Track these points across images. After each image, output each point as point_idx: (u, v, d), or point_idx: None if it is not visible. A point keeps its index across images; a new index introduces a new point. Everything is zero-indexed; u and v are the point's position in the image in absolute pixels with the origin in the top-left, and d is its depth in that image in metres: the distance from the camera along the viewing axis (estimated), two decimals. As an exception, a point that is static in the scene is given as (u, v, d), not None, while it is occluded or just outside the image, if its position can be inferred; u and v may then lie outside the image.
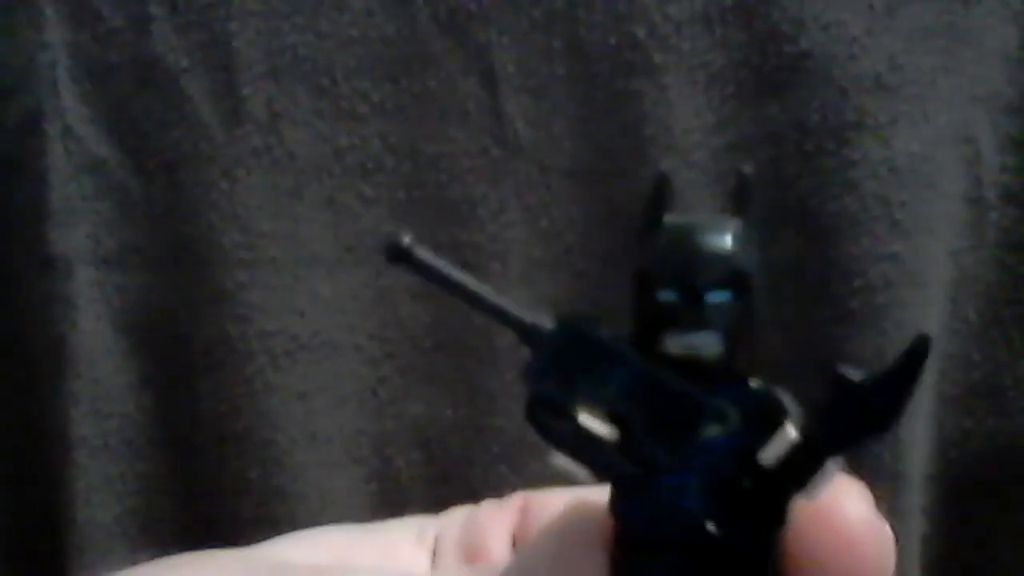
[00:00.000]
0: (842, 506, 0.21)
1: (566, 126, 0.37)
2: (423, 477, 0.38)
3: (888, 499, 0.36)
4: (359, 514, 0.37)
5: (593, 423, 0.21)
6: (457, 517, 0.28)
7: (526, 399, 0.21)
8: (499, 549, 0.26)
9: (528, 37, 0.37)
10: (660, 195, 0.21)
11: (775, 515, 0.21)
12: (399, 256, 0.21)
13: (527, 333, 0.21)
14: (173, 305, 0.37)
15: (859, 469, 0.36)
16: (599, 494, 0.22)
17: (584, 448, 0.21)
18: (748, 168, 0.21)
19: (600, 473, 0.21)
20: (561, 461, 0.21)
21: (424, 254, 0.21)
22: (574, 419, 0.21)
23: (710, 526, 0.21)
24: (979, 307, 0.37)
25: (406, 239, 0.21)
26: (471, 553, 0.27)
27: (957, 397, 0.38)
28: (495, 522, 0.27)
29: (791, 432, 0.20)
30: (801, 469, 0.20)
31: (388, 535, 0.28)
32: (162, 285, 0.38)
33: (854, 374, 0.20)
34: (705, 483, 0.21)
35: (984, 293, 0.37)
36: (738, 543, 0.21)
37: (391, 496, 0.38)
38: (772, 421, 0.20)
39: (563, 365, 0.21)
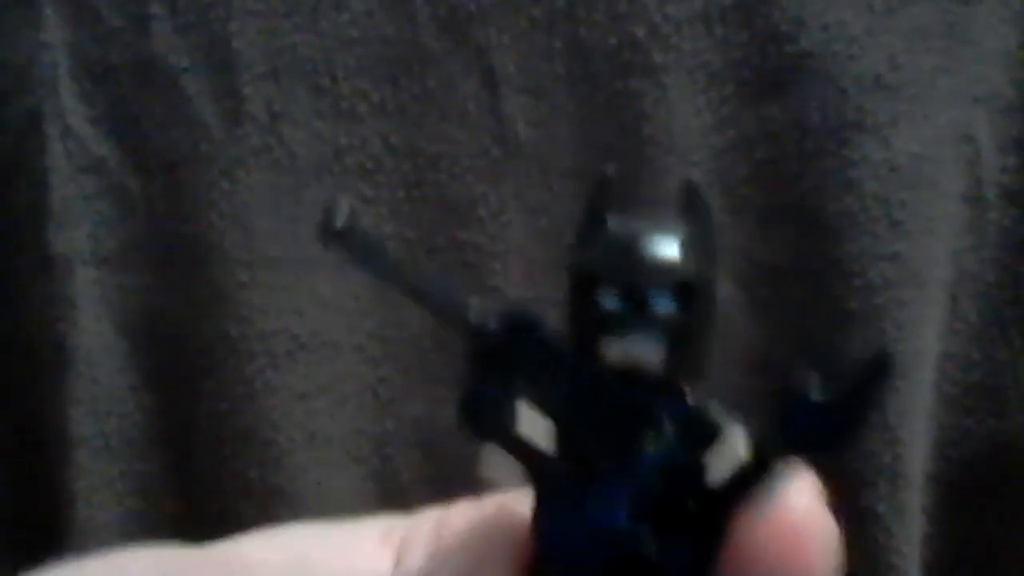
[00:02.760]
0: (785, 495, 0.20)
1: (566, 126, 0.37)
2: (423, 477, 0.38)
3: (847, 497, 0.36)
4: (359, 514, 0.37)
5: (532, 423, 0.20)
6: (428, 517, 0.28)
7: (461, 394, 0.20)
8: None
9: (528, 37, 0.37)
10: (603, 194, 0.20)
11: (716, 532, 0.20)
12: (335, 237, 0.20)
13: (468, 326, 0.20)
14: (173, 305, 0.37)
15: (859, 469, 0.36)
16: (519, 508, 0.21)
17: (520, 447, 0.20)
18: (695, 178, 0.21)
19: (534, 474, 0.20)
20: (489, 471, 0.20)
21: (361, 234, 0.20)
22: (512, 417, 0.20)
23: (646, 546, 0.20)
24: (979, 307, 0.37)
25: (344, 209, 0.20)
26: (439, 554, 0.26)
27: (957, 397, 0.38)
28: (466, 523, 0.27)
29: (739, 449, 0.19)
30: (748, 485, 0.19)
31: (352, 534, 0.28)
32: (162, 285, 0.37)
33: (812, 390, 0.19)
34: (635, 500, 0.20)
35: (984, 293, 0.37)
36: (672, 562, 0.20)
37: (391, 496, 0.38)
38: (707, 437, 0.20)
39: (504, 361, 0.20)
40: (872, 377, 0.19)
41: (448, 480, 0.38)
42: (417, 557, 0.26)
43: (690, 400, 0.20)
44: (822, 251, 0.36)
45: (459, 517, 0.27)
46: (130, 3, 0.37)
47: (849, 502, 0.36)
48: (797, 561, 0.20)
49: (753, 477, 0.20)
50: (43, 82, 0.37)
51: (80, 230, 0.37)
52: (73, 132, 0.37)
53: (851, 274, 0.36)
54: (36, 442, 0.38)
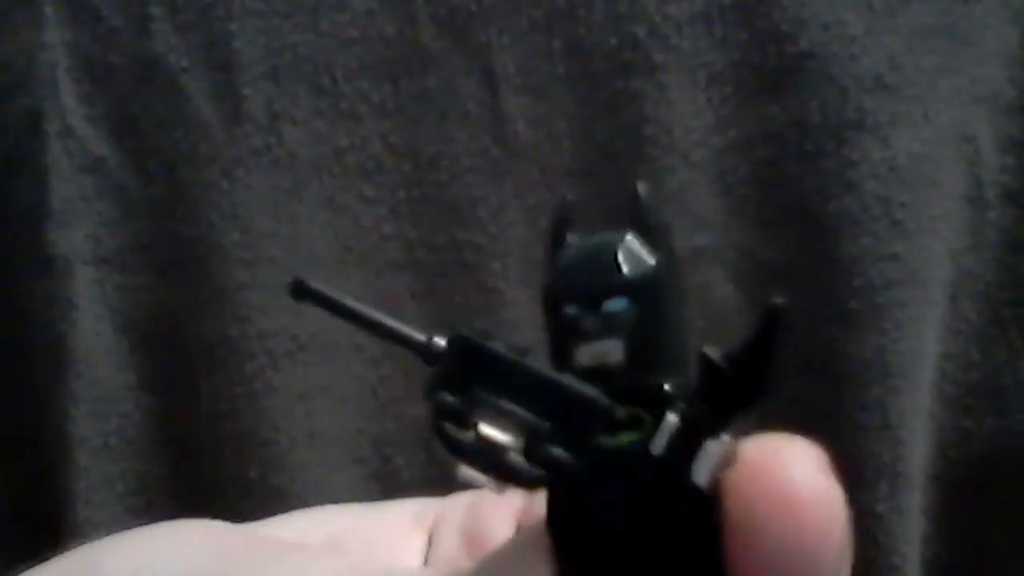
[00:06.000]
0: (781, 465, 0.20)
1: (566, 126, 0.37)
2: (423, 477, 0.38)
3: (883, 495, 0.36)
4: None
5: (495, 431, 0.21)
6: (460, 500, 0.28)
7: (429, 413, 0.22)
8: (502, 534, 0.26)
9: (528, 37, 0.37)
10: (564, 219, 0.22)
11: (673, 503, 0.21)
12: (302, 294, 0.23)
13: (424, 351, 0.22)
14: (173, 305, 0.37)
15: (859, 469, 0.36)
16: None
17: (487, 456, 0.21)
18: (642, 185, 0.22)
19: (504, 479, 0.21)
20: (466, 473, 0.22)
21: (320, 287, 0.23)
22: (475, 428, 0.21)
23: (619, 527, 0.21)
24: (979, 307, 0.37)
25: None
26: (472, 537, 0.27)
27: (957, 397, 0.38)
28: (499, 507, 0.27)
29: (672, 418, 0.21)
30: (686, 453, 0.20)
31: (385, 516, 0.28)
32: (162, 285, 0.38)
33: (715, 352, 0.21)
34: (621, 488, 0.21)
35: (984, 293, 0.37)
36: (646, 542, 0.21)
37: (391, 496, 0.38)
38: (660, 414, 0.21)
39: (460, 378, 0.21)
40: (767, 330, 0.21)
41: (448, 480, 0.38)
42: (450, 541, 0.26)
43: (667, 387, 0.21)
44: (822, 251, 0.36)
45: (491, 504, 0.27)
46: (130, 3, 0.37)
47: (849, 502, 0.36)
48: (800, 535, 0.19)
49: (686, 442, 0.20)
50: (43, 82, 0.37)
51: (80, 230, 0.37)
52: (73, 132, 0.37)
53: (851, 274, 0.36)
54: (36, 442, 0.38)
